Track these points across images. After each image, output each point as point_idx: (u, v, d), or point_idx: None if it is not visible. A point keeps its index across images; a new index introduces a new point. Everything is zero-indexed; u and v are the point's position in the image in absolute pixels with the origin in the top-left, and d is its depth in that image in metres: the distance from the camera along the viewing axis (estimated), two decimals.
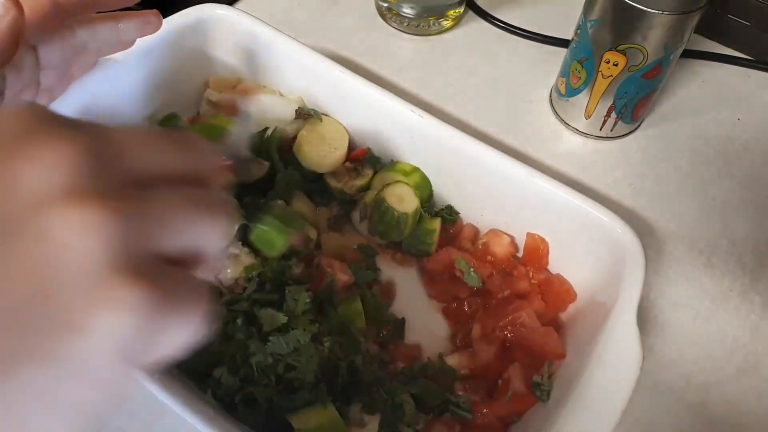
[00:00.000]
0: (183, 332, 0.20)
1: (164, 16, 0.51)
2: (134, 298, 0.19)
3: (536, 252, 0.48)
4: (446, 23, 0.68)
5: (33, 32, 0.36)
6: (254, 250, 0.45)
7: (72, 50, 0.39)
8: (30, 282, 0.18)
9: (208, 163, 0.23)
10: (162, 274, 0.20)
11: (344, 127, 0.53)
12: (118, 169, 0.20)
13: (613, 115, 0.57)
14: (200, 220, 0.22)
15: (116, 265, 0.18)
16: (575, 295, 0.46)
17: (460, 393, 0.43)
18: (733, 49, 0.68)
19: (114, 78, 0.48)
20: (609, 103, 0.56)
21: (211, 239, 0.22)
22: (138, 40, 0.49)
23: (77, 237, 0.18)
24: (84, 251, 0.18)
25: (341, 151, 0.52)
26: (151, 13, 0.42)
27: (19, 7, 0.31)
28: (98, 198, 0.19)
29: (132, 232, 0.19)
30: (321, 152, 0.51)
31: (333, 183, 0.51)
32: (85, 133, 0.20)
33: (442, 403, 0.42)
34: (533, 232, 0.48)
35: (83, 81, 0.45)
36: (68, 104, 0.46)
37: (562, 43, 0.66)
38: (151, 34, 0.42)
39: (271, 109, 0.53)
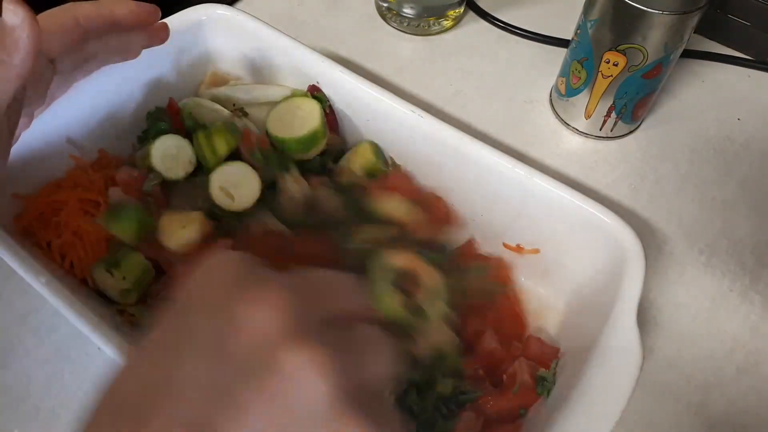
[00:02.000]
0: None
1: (164, 16, 0.51)
2: (362, 429, 0.22)
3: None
4: (446, 23, 0.68)
5: (55, 49, 0.36)
6: None
7: (84, 62, 0.40)
8: (274, 416, 0.22)
9: (358, 298, 0.28)
10: (371, 403, 0.23)
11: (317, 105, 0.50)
12: (317, 311, 0.24)
13: (613, 115, 0.57)
14: (381, 351, 0.26)
15: (339, 402, 0.22)
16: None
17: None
18: (733, 49, 0.68)
19: (114, 78, 0.48)
20: (609, 103, 0.56)
21: (389, 366, 0.26)
22: None
23: (308, 375, 0.22)
24: (315, 388, 0.22)
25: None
26: (161, 27, 0.43)
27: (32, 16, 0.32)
28: (315, 338, 0.22)
29: (343, 368, 0.23)
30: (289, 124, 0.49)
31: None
32: (290, 281, 0.24)
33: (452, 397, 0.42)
34: (533, 231, 0.48)
35: (78, 82, 0.45)
36: (69, 104, 0.46)
37: (562, 43, 0.66)
38: (158, 45, 0.43)
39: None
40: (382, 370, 0.25)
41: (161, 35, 0.43)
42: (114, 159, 0.50)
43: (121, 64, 0.48)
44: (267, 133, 0.48)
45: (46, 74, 0.37)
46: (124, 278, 0.42)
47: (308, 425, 0.22)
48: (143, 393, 0.22)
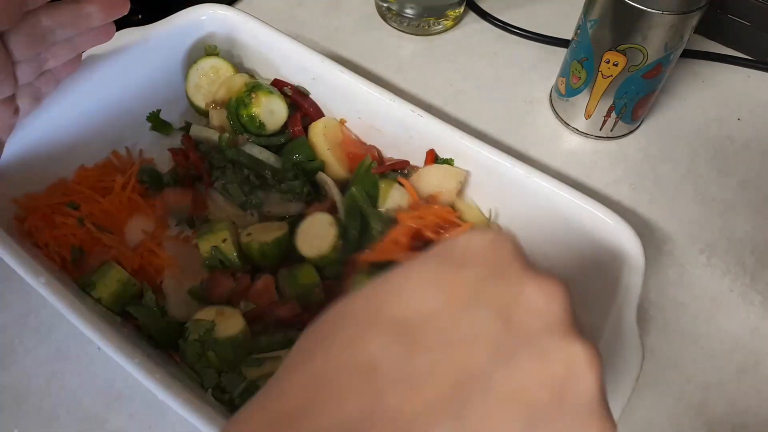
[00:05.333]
0: None
1: (164, 16, 0.51)
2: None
3: None
4: (446, 23, 0.68)
5: None
6: None
7: (39, 38, 0.38)
8: (540, 391, 0.21)
9: None
10: None
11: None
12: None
13: (613, 115, 0.57)
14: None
15: (605, 402, 0.22)
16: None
17: None
18: (733, 49, 0.68)
19: (114, 78, 0.48)
20: (609, 103, 0.56)
21: None
22: (139, 40, 0.49)
23: (585, 370, 0.22)
24: (590, 386, 0.22)
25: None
26: None
27: None
28: (587, 339, 0.23)
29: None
30: None
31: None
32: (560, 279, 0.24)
33: None
34: (533, 231, 0.48)
35: (78, 81, 0.45)
36: (68, 105, 0.46)
37: (562, 43, 0.66)
38: (120, 16, 0.41)
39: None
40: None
41: (119, 4, 0.40)
42: (120, 162, 0.50)
43: (120, 64, 0.48)
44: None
45: None
46: (99, 299, 0.42)
47: (571, 418, 0.22)
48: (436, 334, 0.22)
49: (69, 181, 0.47)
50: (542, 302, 0.23)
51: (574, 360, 0.22)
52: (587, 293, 0.45)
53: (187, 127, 0.53)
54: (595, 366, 0.22)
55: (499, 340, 0.22)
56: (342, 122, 0.53)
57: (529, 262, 0.24)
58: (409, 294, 0.23)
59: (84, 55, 0.43)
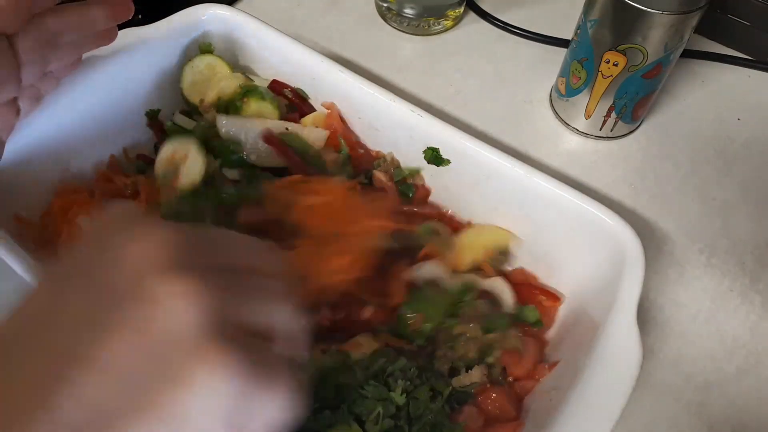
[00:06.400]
0: (274, 404, 0.23)
1: (164, 16, 0.51)
2: (230, 361, 0.21)
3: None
4: (446, 23, 0.68)
5: (6, 20, 0.35)
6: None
7: (45, 42, 0.38)
8: (140, 341, 0.21)
9: (270, 260, 0.27)
10: (250, 345, 0.23)
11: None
12: (205, 256, 0.24)
13: (613, 115, 0.57)
14: (272, 302, 0.25)
15: (213, 331, 0.21)
16: None
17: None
18: (733, 49, 0.68)
19: (114, 78, 0.48)
20: (609, 103, 0.56)
21: (282, 319, 0.25)
22: (139, 40, 0.49)
23: (179, 302, 0.21)
24: (185, 316, 0.21)
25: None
26: (122, 0, 0.42)
27: None
28: (195, 272, 0.22)
29: (223, 304, 0.22)
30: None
31: None
32: (186, 230, 0.24)
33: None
34: (533, 231, 0.48)
35: (78, 81, 0.45)
36: (69, 104, 0.46)
37: (562, 43, 0.66)
38: (124, 20, 0.42)
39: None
40: (270, 319, 0.25)
41: (123, 8, 0.41)
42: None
43: (120, 63, 0.48)
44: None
45: (1, 48, 0.36)
46: None
47: (172, 354, 0.21)
48: (29, 323, 0.23)
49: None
50: (132, 254, 0.23)
51: (162, 298, 0.21)
52: (587, 293, 0.46)
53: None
54: (187, 297, 0.21)
55: (88, 311, 0.22)
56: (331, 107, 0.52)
57: (140, 222, 0.24)
58: (28, 298, 0.24)
59: (84, 56, 0.43)
